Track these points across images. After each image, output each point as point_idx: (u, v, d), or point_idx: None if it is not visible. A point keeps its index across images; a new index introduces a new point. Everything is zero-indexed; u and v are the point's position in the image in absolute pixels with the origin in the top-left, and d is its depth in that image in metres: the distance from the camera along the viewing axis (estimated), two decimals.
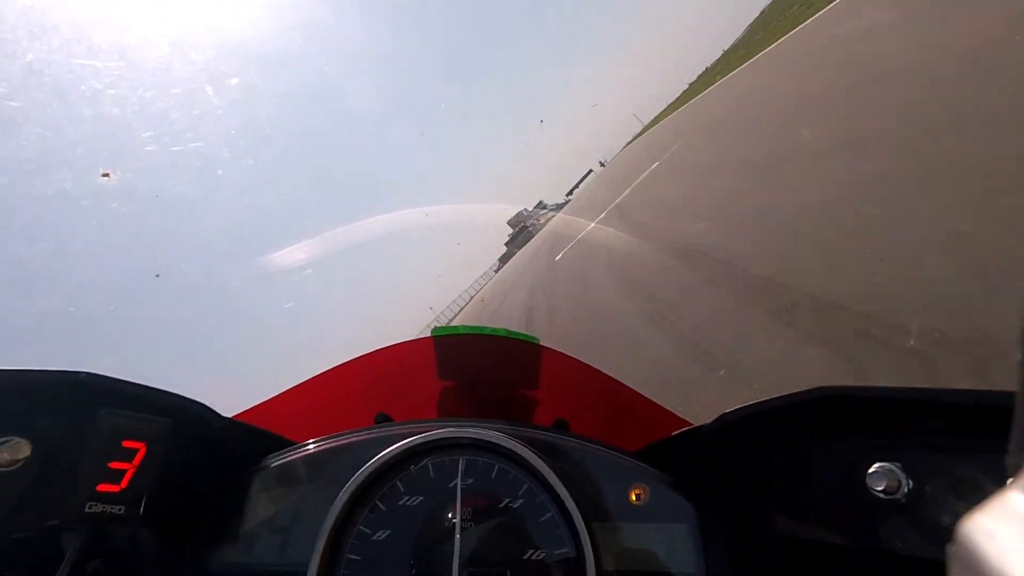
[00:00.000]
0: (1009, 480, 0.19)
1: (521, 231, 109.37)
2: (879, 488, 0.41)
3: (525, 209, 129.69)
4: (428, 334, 0.76)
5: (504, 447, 0.53)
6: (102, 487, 0.46)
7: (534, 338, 0.74)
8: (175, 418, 0.52)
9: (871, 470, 0.42)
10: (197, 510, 0.54)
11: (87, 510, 0.44)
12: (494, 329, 0.73)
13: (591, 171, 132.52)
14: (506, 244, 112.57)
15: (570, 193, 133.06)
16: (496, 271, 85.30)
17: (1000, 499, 0.18)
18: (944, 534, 0.18)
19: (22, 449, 0.43)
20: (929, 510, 0.39)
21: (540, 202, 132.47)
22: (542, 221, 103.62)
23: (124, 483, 0.47)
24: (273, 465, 0.57)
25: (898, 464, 0.41)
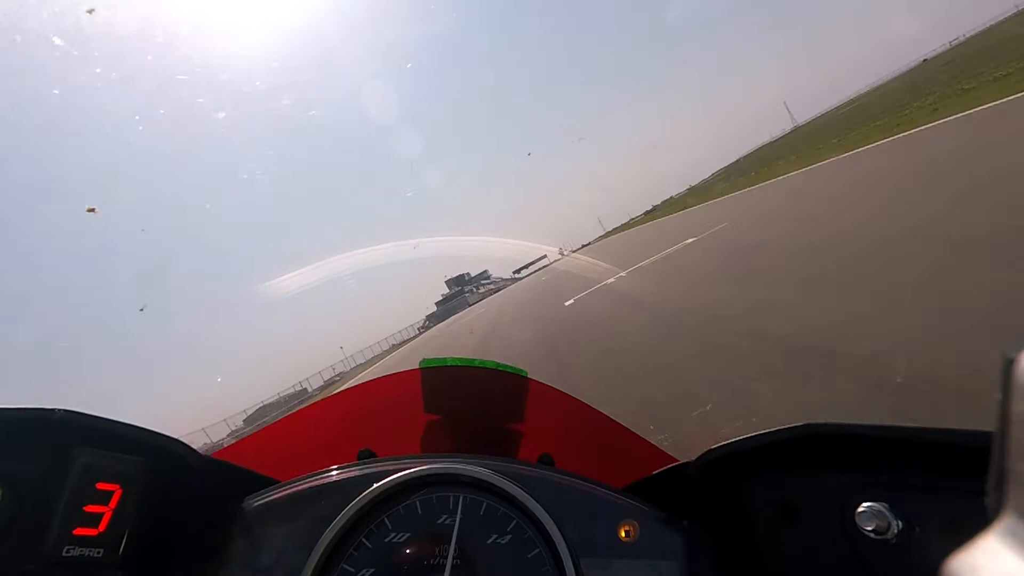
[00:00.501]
0: (992, 519, 0.19)
1: (457, 294, 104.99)
2: (869, 528, 0.41)
3: (468, 273, 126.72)
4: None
5: (492, 483, 0.54)
6: (79, 531, 0.45)
7: (522, 371, 0.74)
8: (152, 457, 0.51)
9: (860, 509, 0.42)
10: (177, 551, 0.53)
11: (64, 554, 0.44)
12: (483, 361, 0.73)
13: (545, 256, 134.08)
14: (437, 303, 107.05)
15: (518, 272, 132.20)
16: (421, 329, 79.25)
17: (983, 539, 0.19)
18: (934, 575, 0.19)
19: None
20: (919, 551, 0.39)
21: (485, 271, 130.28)
22: (480, 291, 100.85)
23: (102, 526, 0.46)
24: (255, 504, 0.56)
25: (887, 504, 0.41)
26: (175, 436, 0.54)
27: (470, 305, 78.98)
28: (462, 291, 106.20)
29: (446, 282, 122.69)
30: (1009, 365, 0.19)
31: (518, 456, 0.71)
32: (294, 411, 0.74)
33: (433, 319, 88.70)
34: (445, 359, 0.72)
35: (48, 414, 0.45)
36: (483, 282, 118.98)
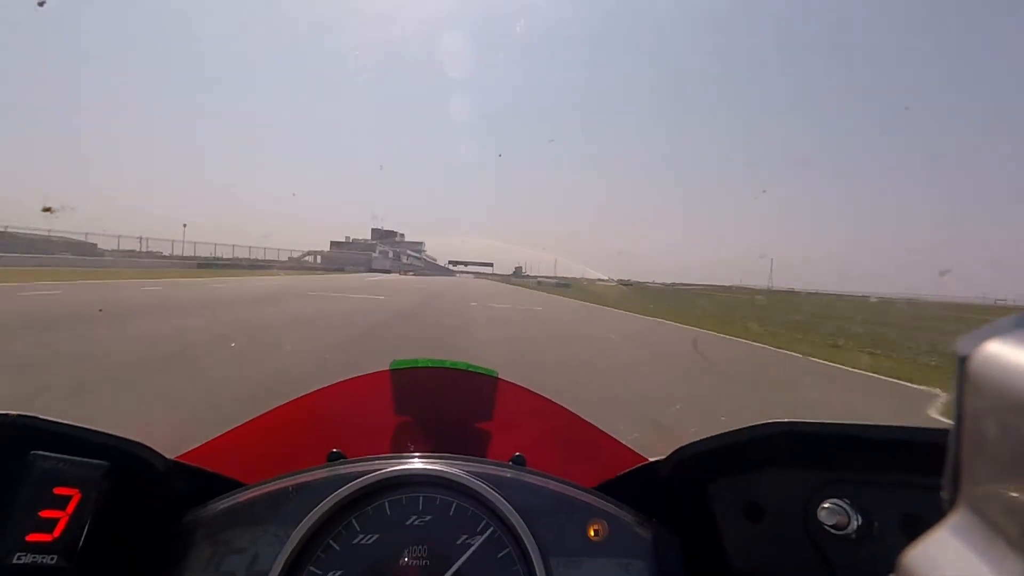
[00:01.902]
0: (946, 513, 0.20)
1: (364, 248, 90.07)
2: (830, 524, 0.44)
3: (402, 235, 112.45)
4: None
5: (462, 483, 0.55)
6: (32, 537, 0.45)
7: (493, 371, 0.77)
8: (112, 460, 0.51)
9: (824, 505, 0.45)
10: (138, 558, 0.53)
11: (15, 562, 0.44)
12: (454, 362, 0.76)
13: (491, 264, 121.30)
14: (332, 244, 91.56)
15: (455, 264, 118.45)
16: (291, 258, 64.09)
17: (937, 532, 0.20)
18: (891, 569, 0.20)
19: None
20: (877, 545, 0.42)
21: (421, 243, 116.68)
22: (401, 261, 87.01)
23: (57, 532, 0.46)
24: (220, 508, 0.57)
25: (848, 500, 0.44)
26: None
27: (370, 270, 64.83)
28: (373, 248, 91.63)
29: (372, 230, 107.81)
30: (963, 362, 0.20)
31: (491, 456, 0.73)
32: (262, 414, 0.75)
33: (322, 259, 73.68)
34: (416, 360, 0.74)
35: (2, 418, 0.46)
36: (410, 252, 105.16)
